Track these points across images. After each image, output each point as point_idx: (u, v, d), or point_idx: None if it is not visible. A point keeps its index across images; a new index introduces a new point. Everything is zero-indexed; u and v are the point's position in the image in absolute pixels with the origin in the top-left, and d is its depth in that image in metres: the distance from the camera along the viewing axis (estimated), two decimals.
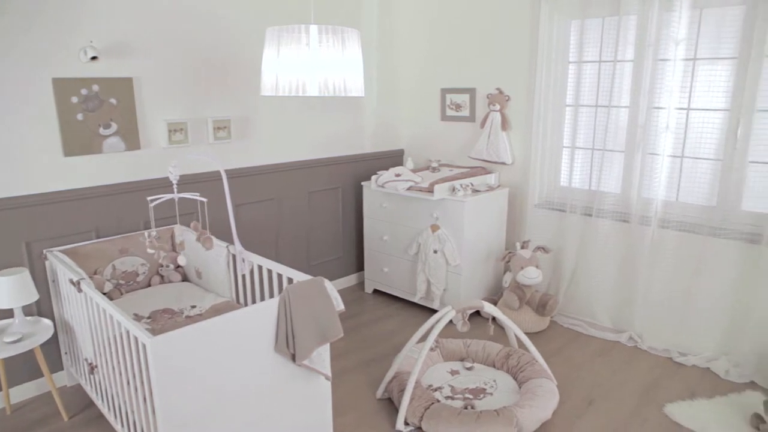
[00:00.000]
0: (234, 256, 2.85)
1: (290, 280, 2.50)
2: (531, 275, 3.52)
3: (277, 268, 2.57)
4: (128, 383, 2.19)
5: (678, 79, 3.17)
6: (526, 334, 3.55)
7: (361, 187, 4.21)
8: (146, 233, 2.47)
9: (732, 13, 3.00)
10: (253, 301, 3.00)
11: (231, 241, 3.51)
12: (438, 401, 2.64)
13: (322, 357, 2.31)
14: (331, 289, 2.28)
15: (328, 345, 2.33)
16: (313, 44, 2.19)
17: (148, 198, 2.54)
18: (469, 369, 3.06)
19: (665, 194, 3.32)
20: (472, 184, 3.70)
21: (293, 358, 2.19)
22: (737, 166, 3.03)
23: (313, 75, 2.20)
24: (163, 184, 3.21)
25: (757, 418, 2.65)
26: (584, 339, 3.56)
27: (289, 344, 2.17)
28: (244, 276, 3.10)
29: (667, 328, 3.40)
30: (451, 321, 2.99)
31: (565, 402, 2.86)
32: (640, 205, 3.37)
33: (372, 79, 4.27)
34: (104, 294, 2.79)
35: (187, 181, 3.30)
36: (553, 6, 3.55)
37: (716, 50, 3.08)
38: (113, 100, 2.95)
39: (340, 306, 2.30)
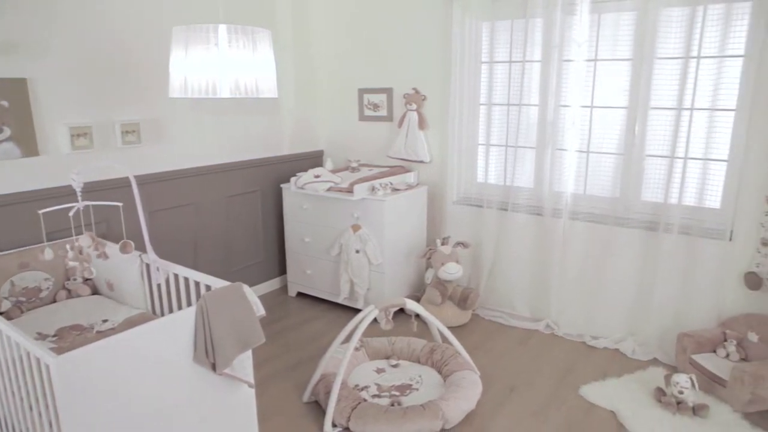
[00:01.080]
0: (148, 266, 2.72)
1: (208, 288, 2.42)
2: (451, 271, 3.60)
3: (194, 275, 2.48)
4: (31, 408, 2.04)
5: (581, 79, 3.34)
6: (450, 328, 3.62)
7: (281, 189, 4.15)
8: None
9: (625, 18, 3.20)
10: (171, 312, 2.88)
11: (144, 250, 3.36)
12: (365, 400, 2.65)
13: (243, 364, 2.25)
14: (251, 294, 2.23)
15: (250, 352, 2.27)
16: (222, 44, 2.12)
17: (40, 212, 2.36)
18: (394, 366, 3.09)
19: (574, 188, 3.50)
20: (391, 183, 3.74)
21: (213, 367, 2.13)
22: (636, 160, 3.24)
23: (223, 76, 2.14)
24: (66, 193, 3.01)
25: (659, 391, 2.85)
26: (505, 329, 3.69)
27: (209, 353, 2.10)
28: (159, 286, 2.97)
29: (580, 314, 3.58)
30: (375, 320, 3.02)
31: (489, 391, 2.95)
32: (551, 199, 3.53)
33: (288, 80, 4.22)
34: (1, 314, 2.59)
35: (94, 189, 3.12)
36: (465, 8, 3.65)
37: (614, 52, 3.28)
38: (5, 103, 2.74)
39: (260, 311, 2.25)
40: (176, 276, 2.80)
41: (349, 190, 3.56)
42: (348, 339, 3.29)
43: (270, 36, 2.34)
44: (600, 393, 2.92)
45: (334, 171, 4.00)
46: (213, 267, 3.87)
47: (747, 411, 2.76)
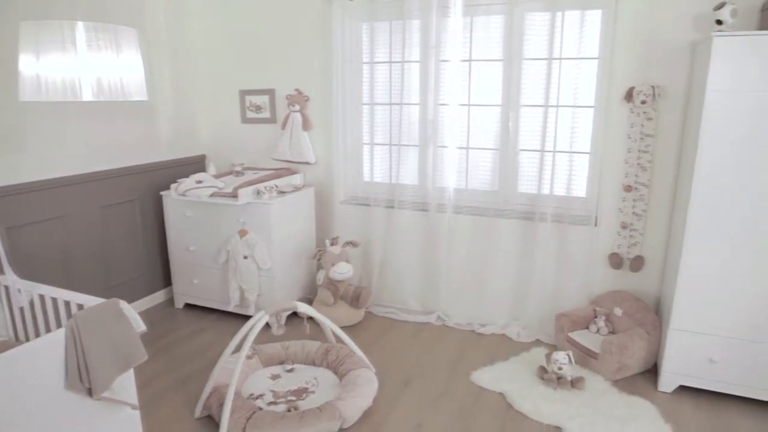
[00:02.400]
0: (7, 288, 2.46)
1: (80, 307, 2.24)
2: (342, 270, 3.61)
3: (64, 295, 2.29)
4: None
5: (458, 78, 3.49)
6: (344, 327, 3.63)
7: (161, 197, 3.93)
8: None
9: (495, 21, 3.39)
10: (38, 337, 2.63)
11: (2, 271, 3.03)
12: (260, 409, 2.58)
13: (125, 385, 2.11)
14: (129, 309, 2.09)
15: (132, 371, 2.13)
16: (81, 44, 1.96)
17: None
18: (290, 371, 3.04)
19: (456, 183, 3.65)
20: (277, 186, 3.67)
21: (90, 392, 1.97)
22: (511, 154, 3.43)
23: (83, 77, 1.98)
24: None
25: (542, 369, 3.05)
26: (398, 325, 3.77)
27: (83, 378, 1.94)
28: (22, 309, 2.70)
29: (468, 303, 3.74)
30: (268, 326, 2.95)
31: (385, 387, 2.99)
32: (435, 195, 3.65)
33: (163, 81, 4.00)
34: None
35: None
36: (344, 9, 3.67)
37: (487, 53, 3.45)
38: None
39: (140, 327, 2.12)
40: (42, 297, 2.56)
41: (234, 195, 3.45)
42: (239, 348, 3.19)
43: (135, 34, 2.20)
44: (489, 377, 3.07)
45: (217, 175, 3.86)
46: (89, 284, 3.57)
47: (616, 378, 3.03)
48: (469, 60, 3.50)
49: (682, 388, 2.95)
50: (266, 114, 4.11)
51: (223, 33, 4.13)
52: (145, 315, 3.87)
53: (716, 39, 2.49)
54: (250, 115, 4.17)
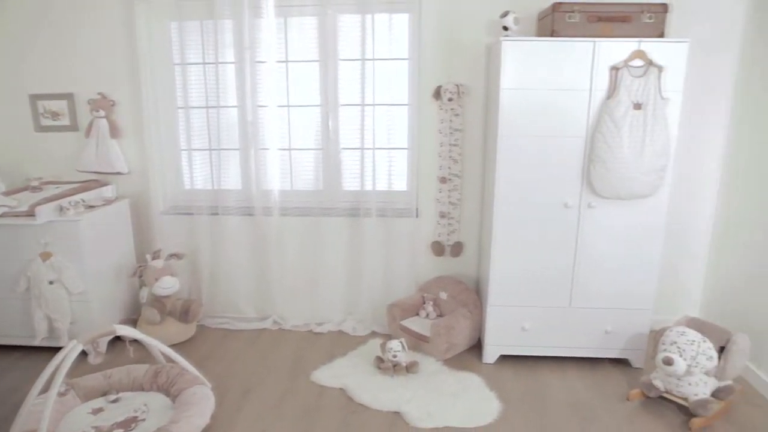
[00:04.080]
0: None
1: None
2: (167, 285, 3.39)
3: None
4: None
5: (275, 80, 3.46)
6: (175, 345, 3.42)
7: None
8: None
9: (309, 22, 3.42)
10: None
11: None
12: None
13: None
14: None
15: None
16: None
17: None
18: (114, 401, 2.77)
19: (281, 185, 3.62)
20: (84, 200, 3.32)
21: None
22: (333, 153, 3.50)
23: None
24: None
25: (378, 360, 3.16)
26: (233, 334, 3.64)
27: None
28: None
29: (303, 304, 3.75)
30: (85, 355, 2.66)
31: (224, 400, 2.88)
32: (260, 198, 3.58)
33: None
34: None
35: None
36: (149, 7, 3.42)
37: (303, 53, 3.47)
38: None
39: None
40: None
41: (30, 213, 3.05)
42: (49, 385, 2.84)
43: None
44: (329, 374, 3.10)
45: (8, 193, 3.38)
46: None
47: (446, 358, 3.26)
48: (286, 61, 3.49)
49: (503, 358, 3.26)
50: (65, 121, 3.69)
51: (5, 28, 3.60)
52: None
53: (504, 43, 2.78)
54: (46, 122, 3.71)
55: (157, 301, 3.43)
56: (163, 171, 3.68)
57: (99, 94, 3.61)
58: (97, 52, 3.57)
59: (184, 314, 3.48)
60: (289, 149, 3.61)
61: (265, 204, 3.58)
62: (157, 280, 3.39)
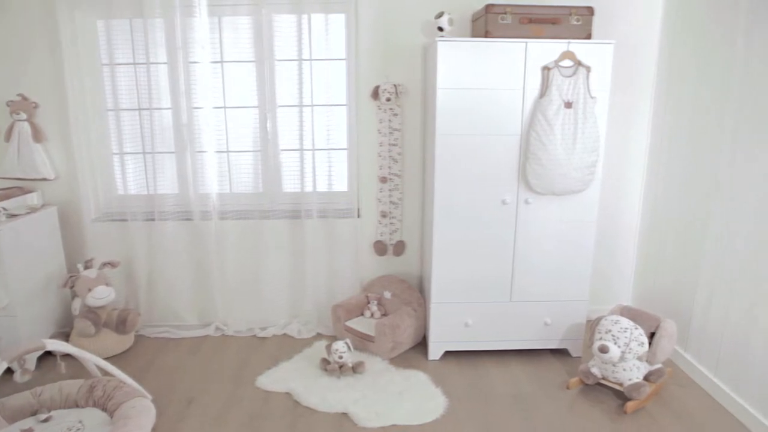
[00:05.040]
0: None
1: None
2: (101, 295, 3.25)
3: None
4: None
5: (210, 80, 3.37)
6: (112, 357, 3.28)
7: None
8: None
9: (244, 22, 3.35)
10: None
11: None
12: None
13: None
14: None
15: None
16: None
17: None
18: (45, 421, 2.63)
19: (219, 188, 3.54)
20: (5, 209, 3.14)
21: None
22: (272, 155, 3.45)
23: None
24: None
25: (324, 361, 3.15)
26: (174, 343, 3.53)
27: None
28: None
29: (246, 309, 3.68)
30: (11, 373, 2.52)
31: (166, 411, 2.79)
32: (198, 202, 3.49)
33: None
34: None
35: None
36: (72, 3, 3.26)
37: (238, 54, 3.41)
38: None
39: None
40: None
41: None
42: None
43: None
44: (274, 379, 3.06)
45: None
46: None
47: (392, 356, 3.28)
48: (221, 61, 3.42)
49: (448, 353, 3.31)
50: None
51: None
52: None
53: (439, 43, 2.82)
54: None
55: (92, 313, 3.28)
56: (93, 176, 3.53)
57: (19, 95, 3.41)
58: (16, 50, 3.37)
59: (121, 325, 3.35)
60: (227, 151, 3.53)
61: (204, 208, 3.49)
62: (90, 290, 3.25)
